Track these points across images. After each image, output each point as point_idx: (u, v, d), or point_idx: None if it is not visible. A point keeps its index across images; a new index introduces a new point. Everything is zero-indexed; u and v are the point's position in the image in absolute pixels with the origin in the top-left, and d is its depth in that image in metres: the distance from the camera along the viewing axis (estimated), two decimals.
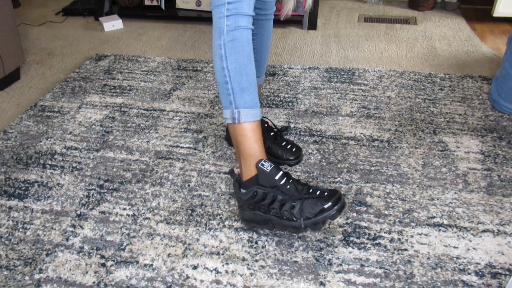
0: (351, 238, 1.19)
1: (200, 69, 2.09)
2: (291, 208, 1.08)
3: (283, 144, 1.44)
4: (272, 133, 1.45)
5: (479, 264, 1.11)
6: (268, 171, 1.10)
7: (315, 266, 1.11)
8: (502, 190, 1.34)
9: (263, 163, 1.11)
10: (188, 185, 1.38)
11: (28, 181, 1.42)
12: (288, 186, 1.10)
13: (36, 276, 1.10)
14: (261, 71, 1.47)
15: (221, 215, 1.27)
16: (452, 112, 1.71)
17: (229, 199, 1.32)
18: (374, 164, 1.45)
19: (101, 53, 2.28)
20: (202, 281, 1.08)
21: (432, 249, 1.15)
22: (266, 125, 1.46)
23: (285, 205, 1.09)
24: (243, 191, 1.15)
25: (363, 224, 1.23)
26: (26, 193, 1.37)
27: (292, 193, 1.09)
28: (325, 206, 1.05)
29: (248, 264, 1.12)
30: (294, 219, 1.08)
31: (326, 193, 1.09)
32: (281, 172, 1.11)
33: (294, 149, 1.44)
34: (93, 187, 1.39)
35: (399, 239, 1.18)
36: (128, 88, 1.94)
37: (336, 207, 1.06)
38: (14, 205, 1.33)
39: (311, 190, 1.10)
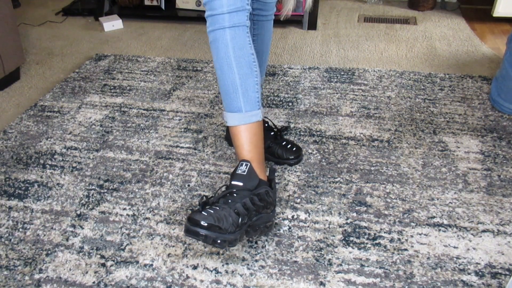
0: (351, 238, 1.19)
1: (200, 69, 2.08)
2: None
3: (283, 143, 1.44)
4: (272, 133, 1.45)
5: (479, 264, 1.11)
6: (236, 172, 1.11)
7: (315, 266, 1.11)
8: (502, 190, 1.34)
9: (242, 164, 1.11)
10: (188, 185, 1.38)
11: (28, 181, 1.42)
12: (227, 194, 1.10)
13: (36, 276, 1.10)
14: (262, 71, 1.47)
15: None
16: (452, 112, 1.71)
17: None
18: (374, 164, 1.45)
19: (101, 53, 2.28)
20: (202, 281, 1.08)
21: (432, 249, 1.15)
22: (266, 124, 1.46)
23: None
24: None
25: (363, 224, 1.23)
26: (26, 193, 1.37)
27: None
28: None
29: (248, 264, 1.12)
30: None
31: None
32: (238, 183, 1.09)
33: (294, 149, 1.44)
34: (93, 187, 1.39)
35: (399, 239, 1.18)
36: (128, 88, 1.94)
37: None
38: (14, 205, 1.33)
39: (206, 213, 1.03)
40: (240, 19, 1.05)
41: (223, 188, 1.18)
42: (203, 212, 1.00)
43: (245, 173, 1.08)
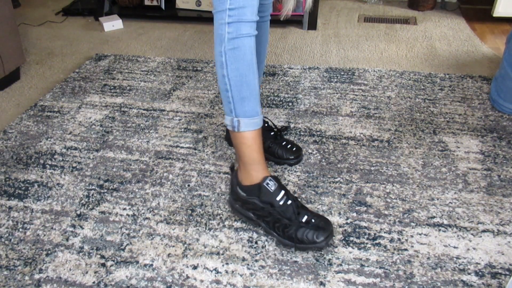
0: (351, 238, 1.19)
1: (200, 69, 2.09)
2: (284, 227, 1.12)
3: (283, 143, 1.44)
4: (272, 133, 1.45)
5: (479, 264, 1.11)
6: (272, 191, 1.13)
7: (315, 266, 1.11)
8: (502, 190, 1.34)
9: (269, 182, 1.14)
10: (188, 185, 1.38)
11: (28, 181, 1.42)
12: (286, 208, 1.13)
13: (36, 276, 1.10)
14: (259, 72, 1.47)
15: (221, 215, 1.27)
16: (452, 112, 1.71)
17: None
18: (374, 164, 1.45)
19: (101, 53, 2.28)
20: (202, 281, 1.08)
21: (432, 249, 1.15)
22: (266, 124, 1.46)
23: (278, 223, 1.13)
24: (241, 192, 1.17)
25: (363, 224, 1.23)
26: (26, 193, 1.37)
27: (289, 216, 1.12)
28: (318, 240, 1.11)
29: (248, 264, 1.12)
30: (286, 238, 1.13)
31: (320, 225, 1.12)
32: (282, 193, 1.14)
33: (294, 149, 1.44)
34: (93, 187, 1.39)
35: (399, 239, 1.18)
36: (128, 88, 1.94)
37: (326, 241, 1.12)
38: (14, 205, 1.33)
39: (306, 218, 1.13)
40: (255, 27, 1.09)
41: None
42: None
43: (277, 184, 1.16)
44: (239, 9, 1.02)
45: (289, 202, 1.14)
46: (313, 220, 1.13)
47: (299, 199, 1.31)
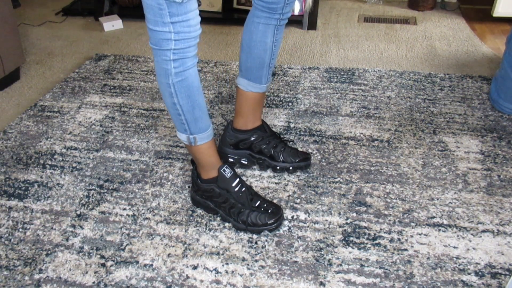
0: (351, 238, 1.19)
1: (200, 69, 2.08)
2: (238, 212, 1.22)
3: (285, 148, 1.42)
4: (275, 139, 1.42)
5: (479, 264, 1.11)
6: (228, 177, 1.23)
7: (315, 266, 1.11)
8: (502, 190, 1.34)
9: (225, 169, 1.23)
10: (188, 186, 1.38)
11: (28, 181, 1.42)
12: (240, 194, 1.23)
13: (36, 276, 1.10)
14: (269, 73, 1.34)
15: (220, 215, 1.27)
16: (452, 112, 1.71)
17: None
18: (374, 164, 1.45)
19: (101, 53, 2.28)
20: (202, 281, 1.08)
21: (432, 249, 1.15)
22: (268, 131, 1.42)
23: (234, 208, 1.22)
24: (201, 183, 1.26)
25: (363, 224, 1.23)
26: (26, 193, 1.37)
27: (242, 201, 1.22)
28: (269, 222, 1.21)
29: (248, 264, 1.12)
30: (240, 222, 1.22)
31: (270, 210, 1.22)
32: (237, 180, 1.24)
33: (298, 153, 1.42)
34: (93, 187, 1.39)
35: (399, 239, 1.18)
36: (128, 88, 1.94)
37: (276, 223, 1.21)
38: (14, 205, 1.33)
39: (258, 203, 1.24)
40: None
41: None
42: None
43: (233, 172, 1.26)
44: (184, 49, 1.05)
45: (243, 189, 1.23)
46: (265, 205, 1.23)
47: (298, 199, 1.32)
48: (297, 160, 1.40)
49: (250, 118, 1.38)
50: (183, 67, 1.08)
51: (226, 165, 1.24)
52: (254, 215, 1.21)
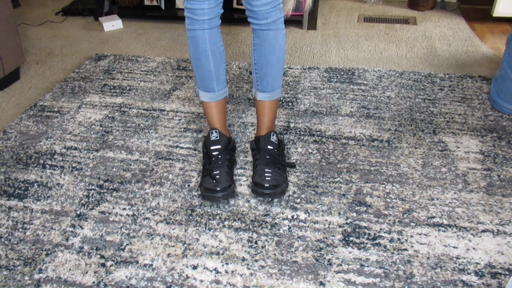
0: (351, 238, 1.19)
1: None
2: (205, 175, 1.34)
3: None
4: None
5: (479, 264, 1.11)
6: (210, 139, 1.36)
7: (315, 266, 1.11)
8: (502, 190, 1.34)
9: (213, 132, 1.37)
10: (188, 185, 1.38)
11: (28, 181, 1.42)
12: (213, 159, 1.34)
13: (36, 276, 1.10)
14: (264, 85, 1.34)
15: (220, 215, 1.27)
16: (452, 112, 1.71)
17: (229, 199, 1.32)
18: (374, 164, 1.45)
19: (101, 53, 2.28)
20: (202, 281, 1.08)
21: (431, 249, 1.15)
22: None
23: (204, 167, 1.36)
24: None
25: (363, 224, 1.23)
26: (26, 193, 1.37)
27: (208, 165, 1.34)
28: (217, 189, 1.27)
29: (248, 264, 1.12)
30: (199, 185, 1.33)
31: (224, 182, 1.29)
32: (218, 147, 1.36)
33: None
34: (93, 187, 1.39)
35: (398, 239, 1.18)
36: (128, 88, 1.94)
37: (224, 196, 1.28)
38: (14, 205, 1.33)
39: (218, 171, 1.32)
40: (216, 22, 1.28)
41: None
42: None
43: (218, 138, 1.37)
44: (191, 10, 1.24)
45: (220, 156, 1.34)
46: (222, 176, 1.31)
47: (298, 199, 1.32)
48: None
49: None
50: (192, 26, 1.26)
51: (216, 130, 1.37)
52: (207, 180, 1.30)
